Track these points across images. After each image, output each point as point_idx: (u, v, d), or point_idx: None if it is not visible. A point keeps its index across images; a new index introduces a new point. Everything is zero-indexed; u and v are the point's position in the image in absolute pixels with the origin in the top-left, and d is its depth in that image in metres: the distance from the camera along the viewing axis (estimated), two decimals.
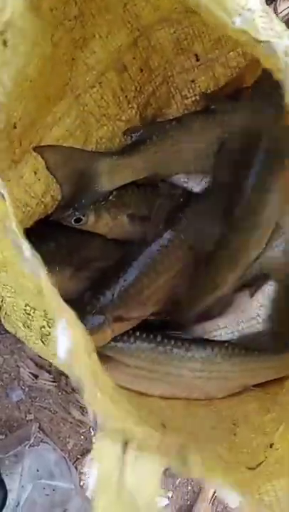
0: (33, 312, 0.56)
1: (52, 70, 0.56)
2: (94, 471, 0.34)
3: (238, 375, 0.63)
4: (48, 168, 0.60)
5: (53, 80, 0.57)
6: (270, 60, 0.38)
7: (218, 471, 0.39)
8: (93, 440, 0.72)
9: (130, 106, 0.63)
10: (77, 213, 0.61)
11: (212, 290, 0.64)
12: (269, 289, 0.64)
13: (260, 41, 0.38)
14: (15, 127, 0.55)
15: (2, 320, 0.59)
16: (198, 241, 0.62)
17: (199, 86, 0.65)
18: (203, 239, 0.62)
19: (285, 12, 0.80)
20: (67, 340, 0.35)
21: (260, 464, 0.48)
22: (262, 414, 0.56)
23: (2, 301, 0.58)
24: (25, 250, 0.37)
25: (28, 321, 0.57)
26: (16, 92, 0.51)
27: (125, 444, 0.36)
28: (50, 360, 0.58)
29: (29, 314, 0.56)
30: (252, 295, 0.64)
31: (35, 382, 0.71)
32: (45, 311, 0.54)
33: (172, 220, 0.62)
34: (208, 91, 0.65)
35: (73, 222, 0.62)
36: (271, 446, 0.51)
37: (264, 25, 0.38)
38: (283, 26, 0.39)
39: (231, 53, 0.63)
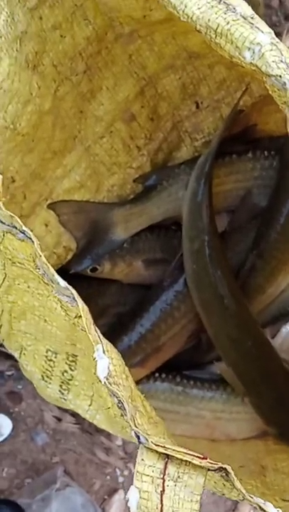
0: (55, 357, 0.56)
1: (54, 124, 0.57)
2: (134, 493, 0.34)
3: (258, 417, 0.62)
4: (61, 222, 0.61)
5: (57, 134, 0.58)
6: (281, 94, 0.38)
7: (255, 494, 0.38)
8: (119, 480, 0.73)
9: (141, 153, 0.64)
10: (93, 263, 0.62)
11: None
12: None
13: (271, 75, 0.38)
14: (13, 181, 0.56)
15: (22, 371, 0.60)
16: None
17: (208, 127, 0.66)
18: None
19: None
20: (107, 363, 0.37)
21: None
22: None
23: (21, 353, 0.58)
24: (59, 280, 0.39)
25: (50, 369, 0.57)
26: (7, 147, 0.52)
27: (165, 464, 0.35)
28: (70, 408, 0.58)
29: (51, 360, 0.56)
30: (273, 336, 0.63)
31: (59, 425, 0.72)
32: (67, 353, 0.55)
33: None
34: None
35: (89, 272, 0.63)
36: None
37: (275, 59, 0.38)
38: None
39: (237, 93, 0.64)
